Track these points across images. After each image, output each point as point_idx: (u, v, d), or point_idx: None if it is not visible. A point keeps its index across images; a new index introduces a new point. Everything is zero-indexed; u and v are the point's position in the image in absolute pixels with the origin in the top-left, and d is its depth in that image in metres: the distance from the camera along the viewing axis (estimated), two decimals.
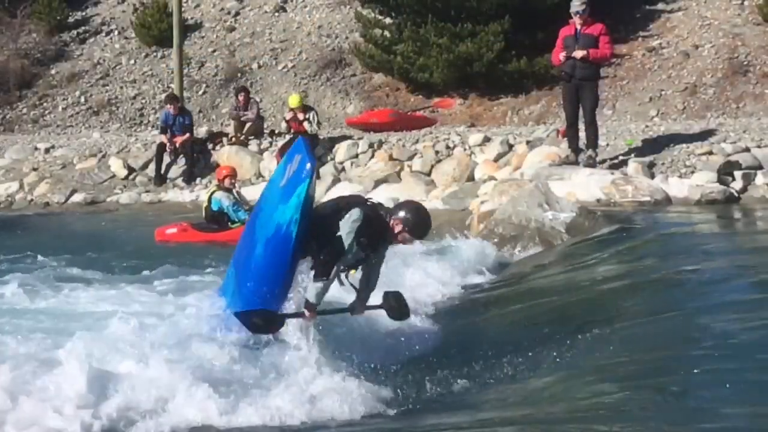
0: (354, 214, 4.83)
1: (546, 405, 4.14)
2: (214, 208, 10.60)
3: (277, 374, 4.55)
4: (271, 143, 14.64)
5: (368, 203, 5.05)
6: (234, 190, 10.94)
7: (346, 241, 4.80)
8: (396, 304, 5.17)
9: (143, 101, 18.99)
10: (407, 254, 7.91)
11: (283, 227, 4.81)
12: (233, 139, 14.80)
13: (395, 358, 5.17)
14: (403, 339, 5.39)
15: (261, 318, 4.83)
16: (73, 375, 4.15)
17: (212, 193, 10.76)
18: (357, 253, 4.90)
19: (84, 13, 21.73)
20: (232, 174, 11.04)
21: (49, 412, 3.99)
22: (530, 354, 5.07)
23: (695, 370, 4.20)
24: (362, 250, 4.91)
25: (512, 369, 4.90)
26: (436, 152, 13.12)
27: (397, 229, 4.91)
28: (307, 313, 4.85)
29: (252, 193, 12.18)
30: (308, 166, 4.76)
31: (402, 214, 4.95)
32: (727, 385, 3.96)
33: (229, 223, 10.42)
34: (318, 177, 5.33)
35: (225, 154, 14.42)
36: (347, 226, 4.81)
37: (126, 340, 4.62)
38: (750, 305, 5.34)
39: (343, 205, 4.99)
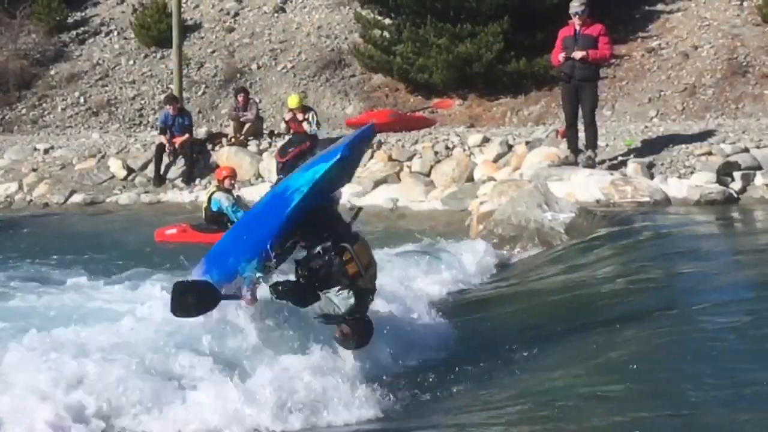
0: (345, 296, 4.66)
1: (543, 404, 4.14)
2: (214, 208, 10.59)
3: (270, 374, 4.49)
4: (270, 144, 14.65)
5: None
6: (234, 191, 10.94)
7: (316, 301, 4.69)
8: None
9: (142, 102, 19.00)
10: (406, 254, 7.93)
11: (288, 191, 4.75)
12: (232, 139, 14.81)
13: (392, 358, 5.16)
14: (401, 338, 5.38)
15: (196, 294, 4.66)
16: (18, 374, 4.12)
17: (212, 194, 10.76)
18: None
19: (83, 14, 21.74)
20: (232, 175, 11.03)
21: None
22: (528, 354, 5.07)
23: (691, 370, 4.21)
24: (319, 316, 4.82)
25: (510, 369, 4.90)
26: (436, 153, 13.12)
27: (344, 330, 4.78)
28: (248, 296, 4.77)
29: (252, 194, 12.19)
30: (338, 155, 4.67)
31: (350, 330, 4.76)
32: (724, 387, 3.96)
33: (229, 224, 10.38)
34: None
35: (224, 155, 14.43)
36: (331, 304, 4.66)
37: (73, 341, 4.55)
38: (748, 306, 5.34)
39: (362, 280, 4.72)
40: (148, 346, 4.52)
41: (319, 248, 4.72)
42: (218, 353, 4.59)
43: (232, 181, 10.93)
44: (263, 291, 4.80)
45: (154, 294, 5.82)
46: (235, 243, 4.92)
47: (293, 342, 4.79)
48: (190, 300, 4.68)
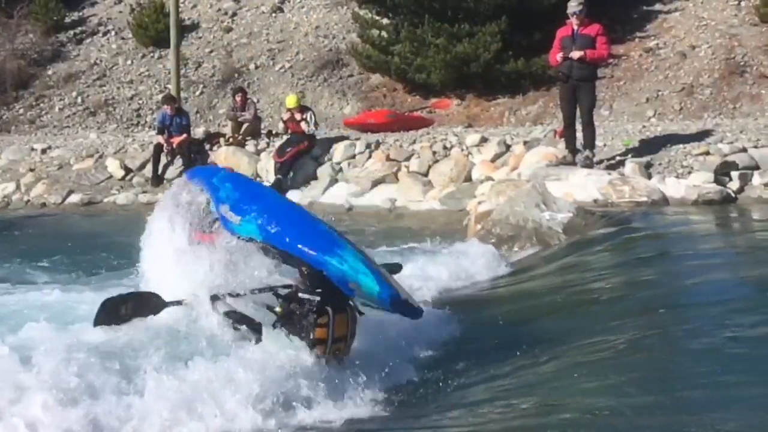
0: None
1: (540, 403, 4.14)
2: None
3: (260, 371, 4.44)
4: (268, 144, 14.65)
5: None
6: None
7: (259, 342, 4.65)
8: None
9: (140, 102, 19.00)
10: (403, 254, 7.93)
11: (336, 249, 4.47)
12: (230, 139, 14.80)
13: (385, 358, 5.14)
14: (395, 338, 5.37)
15: (132, 305, 4.56)
16: None
17: None
18: None
19: (81, 14, 21.75)
20: None
21: None
22: (525, 354, 5.06)
23: (687, 370, 4.22)
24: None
25: (507, 368, 4.90)
26: (434, 153, 13.13)
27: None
28: (207, 305, 4.69)
29: None
30: (385, 297, 4.37)
31: None
32: (720, 388, 3.96)
33: None
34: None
35: (222, 155, 14.42)
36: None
37: (49, 340, 4.52)
38: (746, 306, 5.34)
39: None
40: (126, 347, 4.47)
41: (307, 297, 4.59)
42: (202, 351, 4.54)
43: None
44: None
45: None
46: (258, 198, 4.82)
47: (285, 338, 4.76)
48: (124, 311, 4.58)
